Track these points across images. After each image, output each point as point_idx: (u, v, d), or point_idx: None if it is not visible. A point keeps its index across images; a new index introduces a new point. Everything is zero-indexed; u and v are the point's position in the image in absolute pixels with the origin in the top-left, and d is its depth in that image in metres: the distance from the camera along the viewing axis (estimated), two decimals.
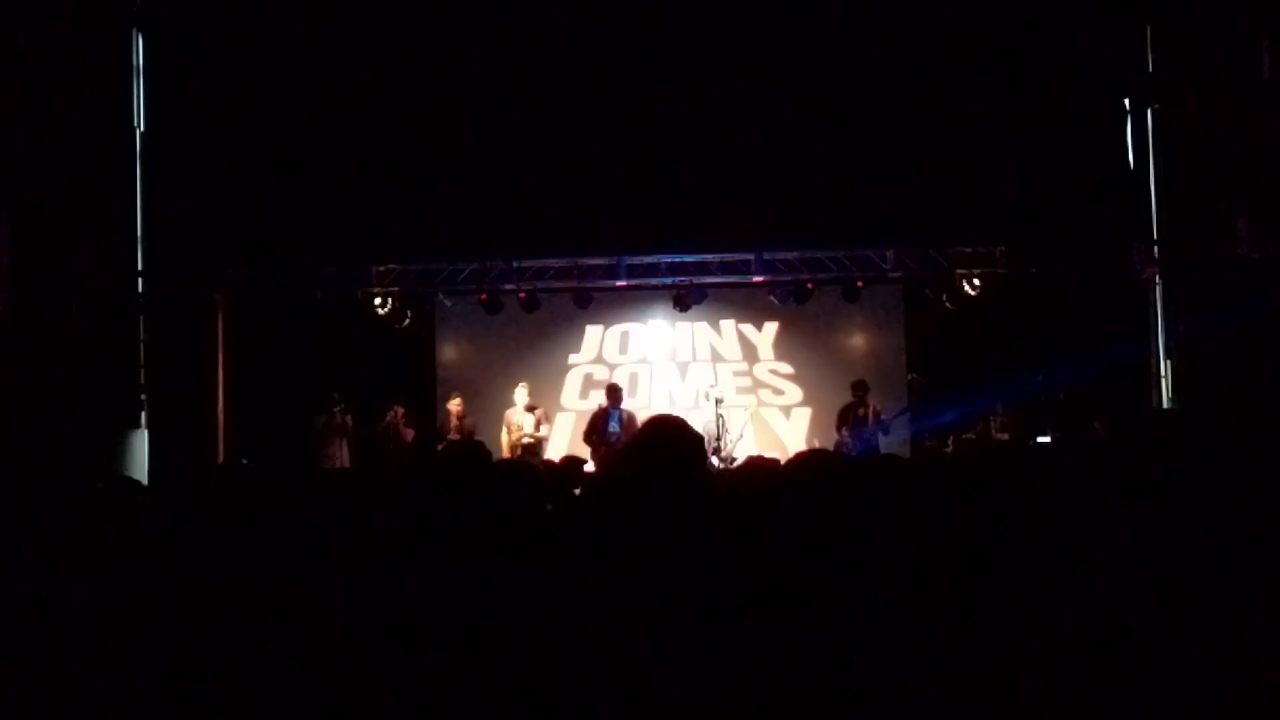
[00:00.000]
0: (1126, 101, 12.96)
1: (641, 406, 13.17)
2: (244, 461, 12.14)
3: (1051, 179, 12.40)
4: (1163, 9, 12.66)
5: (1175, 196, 12.55)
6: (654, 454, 3.01)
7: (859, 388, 12.32)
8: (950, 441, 12.07)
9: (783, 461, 3.84)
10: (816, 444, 12.23)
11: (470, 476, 3.36)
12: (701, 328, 13.98)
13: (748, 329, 13.99)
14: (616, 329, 14.04)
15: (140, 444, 12.60)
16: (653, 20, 12.72)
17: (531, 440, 11.88)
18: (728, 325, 14.00)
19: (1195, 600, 2.53)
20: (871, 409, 12.19)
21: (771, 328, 13.94)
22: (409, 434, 12.55)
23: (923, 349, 13.50)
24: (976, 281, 12.58)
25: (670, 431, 3.09)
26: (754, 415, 12.98)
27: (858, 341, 13.89)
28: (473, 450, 3.68)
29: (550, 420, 13.20)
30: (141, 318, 12.49)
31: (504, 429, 12.22)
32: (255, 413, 13.12)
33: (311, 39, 12.76)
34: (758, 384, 13.93)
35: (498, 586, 2.69)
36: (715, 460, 11.29)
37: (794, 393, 13.87)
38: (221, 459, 12.73)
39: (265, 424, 12.94)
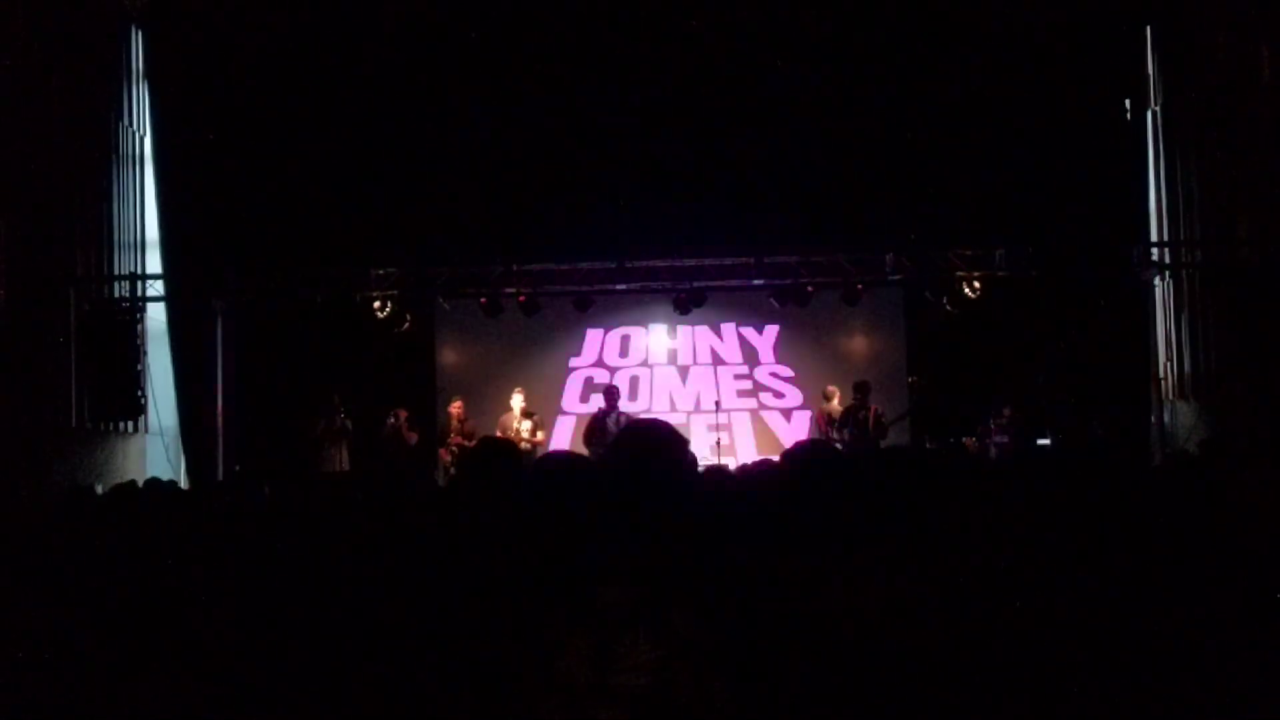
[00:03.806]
0: (1126, 102, 12.92)
1: (642, 410, 13.16)
2: (236, 468, 12.16)
3: (1051, 180, 12.35)
4: (1163, 9, 12.64)
5: (1175, 196, 12.52)
6: (630, 456, 2.99)
7: (860, 389, 12.24)
8: (951, 443, 12.01)
9: None
10: None
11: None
12: (702, 331, 13.96)
13: (748, 332, 13.96)
14: (617, 332, 14.02)
15: (139, 448, 12.62)
16: (653, 23, 12.72)
17: (529, 445, 11.85)
18: (728, 328, 13.97)
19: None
20: (872, 411, 12.13)
21: (772, 331, 13.91)
22: (412, 437, 12.51)
23: (923, 351, 13.48)
24: (977, 284, 12.52)
25: (647, 434, 3.07)
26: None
27: (858, 344, 13.86)
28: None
29: (550, 424, 13.16)
30: (140, 321, 12.47)
31: (498, 433, 12.19)
32: (255, 417, 13.14)
33: (311, 42, 12.79)
34: (759, 387, 13.91)
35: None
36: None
37: (794, 396, 13.84)
38: (221, 463, 12.74)
39: (265, 428, 12.95)
